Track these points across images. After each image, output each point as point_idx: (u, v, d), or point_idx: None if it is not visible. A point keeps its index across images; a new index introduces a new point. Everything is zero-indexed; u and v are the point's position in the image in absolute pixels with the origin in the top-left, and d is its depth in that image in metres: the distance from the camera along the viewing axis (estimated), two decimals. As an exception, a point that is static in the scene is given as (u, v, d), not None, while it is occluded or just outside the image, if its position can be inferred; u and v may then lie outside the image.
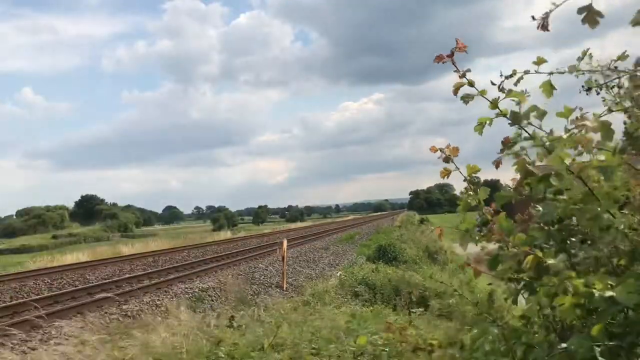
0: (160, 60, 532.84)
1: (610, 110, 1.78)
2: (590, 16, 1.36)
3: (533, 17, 1.44)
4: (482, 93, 1.45)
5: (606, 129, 1.30)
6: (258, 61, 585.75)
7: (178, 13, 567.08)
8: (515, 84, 1.47)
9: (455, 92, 1.48)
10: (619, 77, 1.61)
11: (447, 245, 26.07)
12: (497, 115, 1.42)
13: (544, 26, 1.43)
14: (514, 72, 1.47)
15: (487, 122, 1.45)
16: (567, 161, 1.27)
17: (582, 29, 1.43)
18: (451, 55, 1.47)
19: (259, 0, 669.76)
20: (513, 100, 1.43)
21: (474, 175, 1.57)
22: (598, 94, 1.65)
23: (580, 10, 1.37)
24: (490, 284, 1.53)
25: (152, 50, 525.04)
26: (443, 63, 1.49)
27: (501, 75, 1.50)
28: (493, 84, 1.48)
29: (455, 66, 1.48)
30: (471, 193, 1.55)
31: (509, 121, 1.40)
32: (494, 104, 1.42)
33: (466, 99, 1.48)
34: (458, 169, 1.63)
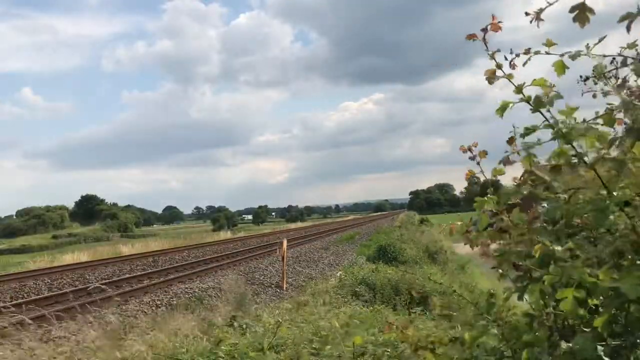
0: (160, 61, 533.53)
1: (611, 110, 1.78)
2: (581, 14, 1.36)
3: (527, 13, 1.47)
4: (509, 77, 1.46)
5: (608, 117, 1.31)
6: (258, 61, 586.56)
7: (178, 13, 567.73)
8: (525, 64, 1.49)
9: (491, 78, 1.48)
10: (617, 68, 1.60)
11: (447, 245, 26.09)
12: (521, 100, 1.42)
13: (537, 19, 1.45)
14: (527, 50, 1.48)
15: (510, 105, 1.45)
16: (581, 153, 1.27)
17: (582, 29, 1.44)
18: (485, 30, 1.48)
19: (258, 0, 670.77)
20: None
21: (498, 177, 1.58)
22: (595, 83, 1.66)
23: (572, 9, 1.38)
24: (494, 267, 1.53)
25: (152, 51, 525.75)
26: (474, 41, 1.49)
27: (511, 52, 1.52)
28: (506, 58, 1.50)
29: (486, 45, 1.49)
30: (491, 195, 1.56)
31: (530, 107, 1.40)
32: (519, 89, 1.42)
33: (492, 78, 1.48)
34: (482, 172, 1.64)
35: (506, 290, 1.56)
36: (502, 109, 1.46)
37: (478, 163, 1.66)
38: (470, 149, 1.67)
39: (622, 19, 1.35)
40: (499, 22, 1.50)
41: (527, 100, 1.41)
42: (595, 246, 1.32)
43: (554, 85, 1.44)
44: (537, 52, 1.46)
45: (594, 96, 1.66)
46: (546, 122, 1.36)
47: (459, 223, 1.66)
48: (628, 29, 1.35)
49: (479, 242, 1.54)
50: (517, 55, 1.48)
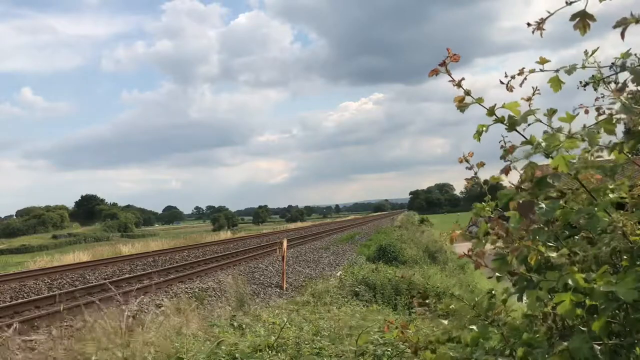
0: (160, 61, 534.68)
1: (611, 115, 1.79)
2: (581, 22, 1.37)
3: (528, 24, 1.47)
4: (479, 101, 1.48)
5: (609, 123, 1.32)
6: (257, 61, 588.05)
7: (177, 13, 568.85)
8: (521, 85, 1.51)
9: (460, 105, 1.50)
10: (616, 73, 1.61)
11: (447, 245, 26.08)
12: (495, 121, 1.44)
13: (539, 27, 1.46)
14: (522, 71, 1.50)
15: (484, 128, 1.48)
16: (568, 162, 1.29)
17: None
18: (443, 64, 1.50)
19: (257, 0, 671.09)
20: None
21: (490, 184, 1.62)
22: (595, 89, 1.67)
23: (573, 17, 1.39)
24: (490, 277, 1.55)
25: (152, 51, 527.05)
26: (436, 75, 1.51)
27: (506, 76, 1.54)
28: (502, 82, 1.52)
29: (450, 76, 1.50)
30: (489, 201, 1.60)
31: (506, 127, 1.43)
32: (491, 111, 1.44)
33: (462, 107, 1.50)
34: (479, 179, 1.68)
35: (505, 291, 1.57)
36: (479, 133, 1.50)
37: (476, 173, 1.71)
38: (467, 159, 1.71)
39: (617, 25, 1.35)
40: (455, 54, 1.51)
41: (501, 121, 1.43)
42: (593, 246, 1.33)
43: (539, 92, 1.46)
44: (532, 71, 1.47)
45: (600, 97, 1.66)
46: (524, 140, 1.38)
47: (459, 231, 1.69)
48: (622, 35, 1.36)
49: (477, 250, 1.55)
50: (513, 77, 1.50)
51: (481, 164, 1.70)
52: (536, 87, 1.53)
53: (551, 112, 1.36)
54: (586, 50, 1.49)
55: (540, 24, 1.43)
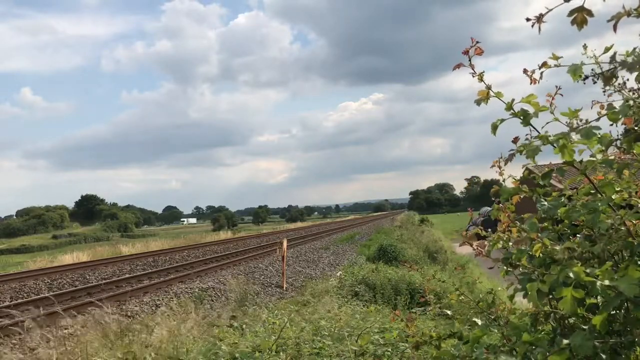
0: (159, 61, 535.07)
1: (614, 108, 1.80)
2: (579, 17, 1.37)
3: (528, 19, 1.48)
4: (499, 95, 1.48)
5: (614, 113, 1.32)
6: (257, 61, 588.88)
7: (177, 14, 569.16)
8: (540, 77, 1.52)
9: (485, 99, 1.50)
10: (615, 68, 1.61)
11: (447, 245, 26.10)
12: (513, 115, 1.45)
13: (539, 21, 1.46)
14: (545, 63, 1.51)
15: (499, 122, 1.48)
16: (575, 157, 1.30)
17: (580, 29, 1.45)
18: (466, 52, 1.49)
19: (257, 0, 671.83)
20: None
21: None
22: (595, 82, 1.67)
23: (571, 12, 1.39)
24: (491, 267, 1.56)
25: (151, 51, 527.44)
26: (459, 68, 1.51)
27: (524, 72, 1.55)
28: (525, 71, 1.54)
29: (473, 69, 1.50)
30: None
31: (521, 122, 1.43)
32: (509, 105, 1.44)
33: (483, 99, 1.50)
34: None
35: (509, 286, 1.58)
36: (495, 127, 1.51)
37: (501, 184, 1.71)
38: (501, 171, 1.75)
39: (611, 19, 1.36)
40: (478, 42, 1.51)
41: (518, 115, 1.44)
42: (594, 245, 1.33)
43: (561, 90, 1.46)
44: (545, 65, 1.47)
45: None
46: (538, 134, 1.38)
47: (473, 232, 1.72)
48: (614, 28, 1.36)
49: (474, 242, 1.56)
50: (540, 68, 1.50)
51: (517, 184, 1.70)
52: (558, 87, 1.53)
53: (540, 109, 1.37)
54: (585, 44, 1.49)
55: (539, 18, 1.43)
